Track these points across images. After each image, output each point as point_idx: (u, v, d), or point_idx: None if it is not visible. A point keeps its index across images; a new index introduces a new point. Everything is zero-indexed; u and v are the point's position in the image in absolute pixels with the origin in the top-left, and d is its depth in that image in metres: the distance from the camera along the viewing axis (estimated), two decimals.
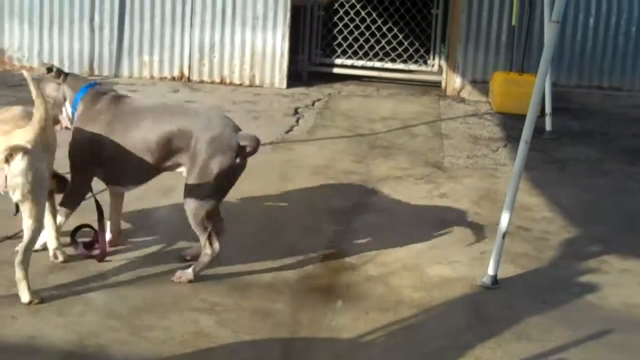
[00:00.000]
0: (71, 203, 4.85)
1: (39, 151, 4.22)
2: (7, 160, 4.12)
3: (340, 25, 11.60)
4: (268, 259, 5.14)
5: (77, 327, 4.10)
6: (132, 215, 5.54)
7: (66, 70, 5.15)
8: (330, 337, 4.25)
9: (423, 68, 11.61)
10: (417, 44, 11.55)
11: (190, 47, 10.62)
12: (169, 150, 4.70)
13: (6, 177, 4.16)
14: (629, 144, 8.82)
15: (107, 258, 4.89)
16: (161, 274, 4.78)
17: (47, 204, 4.53)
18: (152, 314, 4.31)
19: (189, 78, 10.63)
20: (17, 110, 4.51)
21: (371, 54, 11.56)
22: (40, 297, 4.30)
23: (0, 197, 4.33)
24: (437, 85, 11.27)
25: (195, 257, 4.82)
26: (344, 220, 5.98)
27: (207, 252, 4.70)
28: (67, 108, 4.93)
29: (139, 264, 4.91)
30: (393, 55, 11.59)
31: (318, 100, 10.07)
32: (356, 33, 11.57)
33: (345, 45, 11.56)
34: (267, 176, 6.80)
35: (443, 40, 11.40)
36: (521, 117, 5.50)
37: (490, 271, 4.96)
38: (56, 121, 4.92)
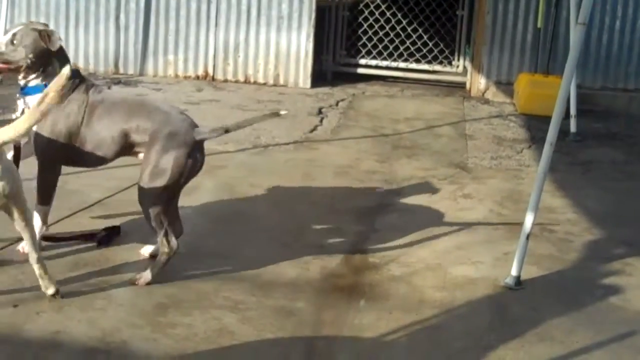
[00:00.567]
0: (47, 197, 4.76)
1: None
2: None
3: (365, 25, 11.61)
4: (291, 257, 5.14)
5: (100, 323, 4.11)
6: None
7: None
8: (353, 336, 4.24)
9: (448, 69, 11.62)
10: (442, 45, 11.56)
11: (215, 47, 10.67)
12: (127, 144, 4.66)
13: None
14: None
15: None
16: (184, 271, 4.79)
17: None
18: (175, 310, 4.32)
19: (213, 77, 10.67)
20: None
21: (396, 54, 11.56)
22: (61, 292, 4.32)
23: None
24: (461, 86, 11.26)
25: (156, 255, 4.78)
26: (367, 220, 5.97)
27: (164, 251, 4.63)
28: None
29: None
30: (418, 55, 11.60)
31: (342, 100, 10.07)
32: (381, 33, 11.58)
33: (369, 45, 11.58)
34: (290, 175, 6.80)
35: (468, 41, 11.39)
36: (545, 119, 5.48)
37: (514, 272, 4.94)
38: None
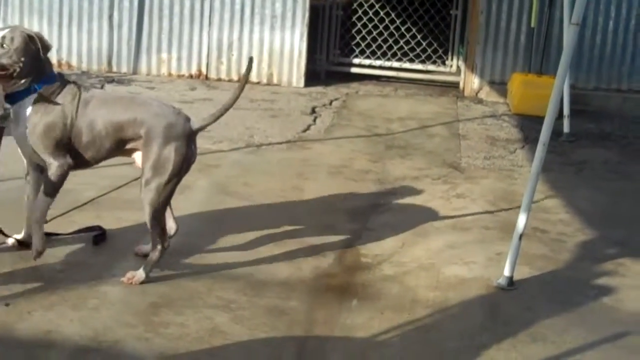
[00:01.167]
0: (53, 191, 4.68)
1: None
2: None
3: (359, 25, 11.60)
4: (284, 257, 5.14)
5: (92, 322, 4.10)
6: None
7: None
8: (345, 335, 4.24)
9: (441, 69, 11.61)
10: (435, 45, 11.55)
11: (209, 46, 10.65)
12: (121, 138, 4.64)
13: None
14: None
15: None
16: (177, 270, 4.78)
17: None
18: (168, 310, 4.31)
19: (206, 76, 10.66)
20: None
21: (389, 54, 11.56)
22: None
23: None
24: (455, 85, 11.26)
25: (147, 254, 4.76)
26: (360, 220, 5.97)
27: (157, 248, 4.64)
28: None
29: None
30: (411, 55, 11.59)
31: (335, 99, 10.07)
32: (374, 33, 11.58)
33: (363, 45, 11.57)
34: (283, 175, 6.80)
35: (461, 41, 11.39)
36: (539, 119, 5.48)
37: (507, 272, 4.94)
38: None
